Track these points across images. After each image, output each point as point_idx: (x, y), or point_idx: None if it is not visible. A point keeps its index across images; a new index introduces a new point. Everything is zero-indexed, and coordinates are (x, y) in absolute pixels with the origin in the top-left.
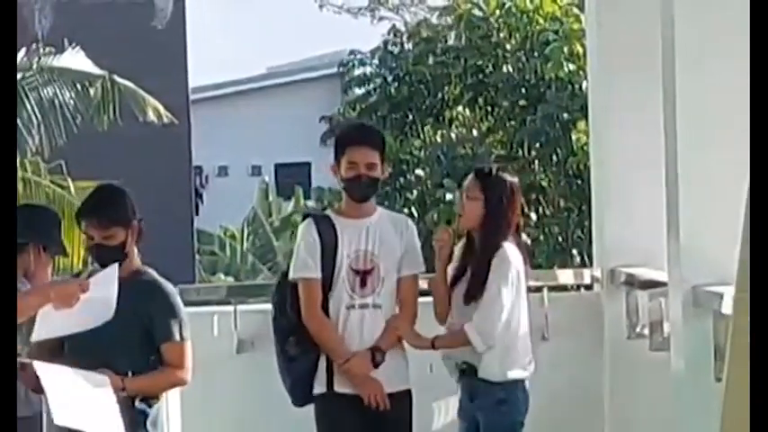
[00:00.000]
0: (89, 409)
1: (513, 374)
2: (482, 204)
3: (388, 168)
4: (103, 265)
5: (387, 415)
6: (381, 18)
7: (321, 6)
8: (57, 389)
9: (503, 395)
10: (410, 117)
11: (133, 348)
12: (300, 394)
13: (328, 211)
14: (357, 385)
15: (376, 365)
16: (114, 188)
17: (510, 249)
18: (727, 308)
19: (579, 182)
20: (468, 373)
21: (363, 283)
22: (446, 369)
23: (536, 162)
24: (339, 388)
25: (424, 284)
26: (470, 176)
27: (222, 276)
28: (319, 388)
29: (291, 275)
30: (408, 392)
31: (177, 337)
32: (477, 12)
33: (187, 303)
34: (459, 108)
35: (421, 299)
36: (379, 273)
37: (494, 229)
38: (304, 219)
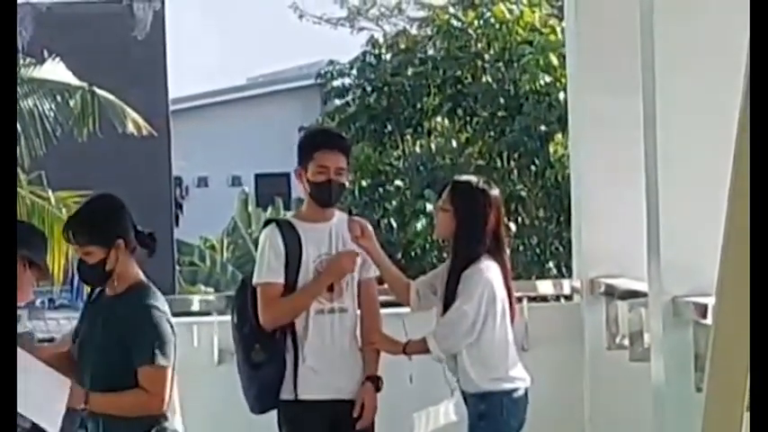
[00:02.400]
0: (37, 400)
1: (489, 386)
2: (452, 215)
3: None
4: (86, 283)
5: (351, 423)
6: (361, 29)
7: (301, 17)
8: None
9: (483, 408)
10: (389, 128)
11: (113, 369)
12: (266, 401)
13: (289, 217)
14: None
15: (379, 390)
16: (103, 202)
17: (485, 264)
18: (706, 318)
19: (557, 193)
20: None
21: (330, 287)
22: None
23: (515, 173)
24: (304, 395)
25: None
26: (447, 187)
27: (202, 287)
28: (286, 395)
29: (255, 280)
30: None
31: (154, 361)
32: (455, 22)
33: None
34: (438, 118)
35: (403, 309)
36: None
37: (464, 242)
38: (266, 225)
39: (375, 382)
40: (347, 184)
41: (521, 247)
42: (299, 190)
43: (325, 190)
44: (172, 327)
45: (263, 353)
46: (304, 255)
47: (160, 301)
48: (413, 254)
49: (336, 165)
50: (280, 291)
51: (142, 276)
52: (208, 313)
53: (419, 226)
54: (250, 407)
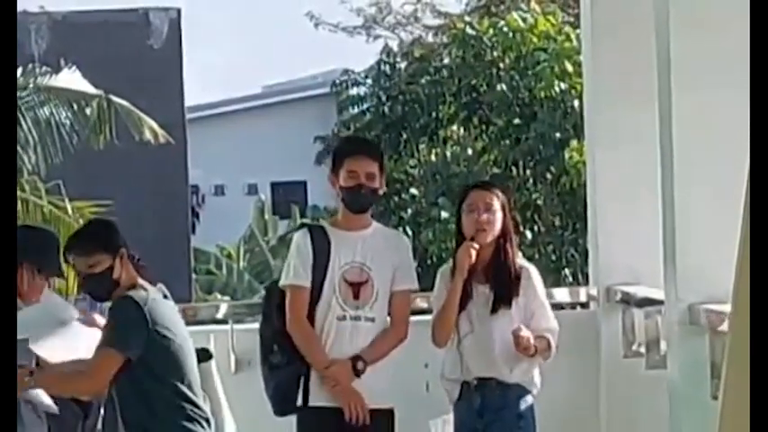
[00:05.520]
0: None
1: (537, 387)
2: (506, 215)
3: (384, 182)
4: (94, 296)
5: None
6: (377, 37)
7: (317, 25)
8: None
9: (521, 408)
10: (404, 136)
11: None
12: (281, 403)
13: (324, 222)
14: (337, 395)
15: (357, 374)
16: (97, 221)
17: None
18: (723, 326)
19: (572, 200)
20: (482, 387)
21: (356, 296)
22: (443, 389)
23: (530, 180)
24: (314, 401)
25: (423, 303)
26: (481, 190)
27: (219, 295)
28: (299, 399)
29: (282, 282)
30: (391, 411)
31: (103, 343)
32: (470, 30)
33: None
34: (454, 127)
35: (427, 317)
36: (373, 286)
37: (513, 239)
38: (299, 229)
39: (354, 360)
40: (381, 190)
41: (536, 255)
42: (315, 198)
43: (355, 195)
44: (144, 319)
45: (280, 356)
46: (332, 261)
47: (141, 298)
48: (428, 262)
49: (366, 170)
50: (307, 296)
51: (139, 281)
52: (224, 321)
53: (433, 234)
54: (272, 408)
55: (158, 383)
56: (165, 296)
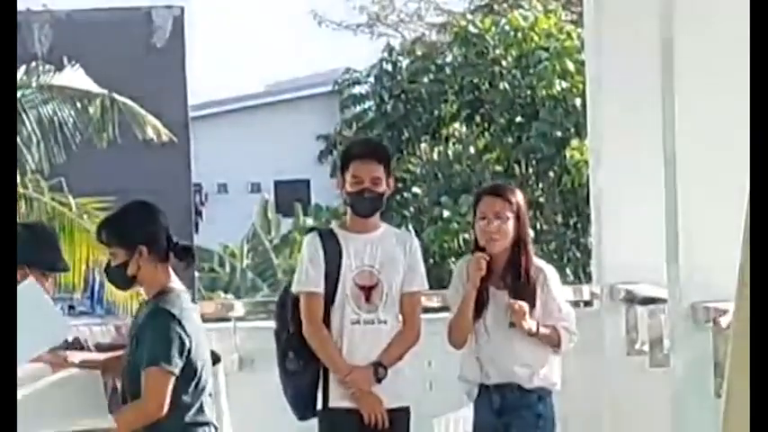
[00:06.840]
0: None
1: (551, 385)
2: (514, 221)
3: (392, 183)
4: (111, 283)
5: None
6: (381, 35)
7: (320, 23)
8: None
9: (540, 409)
10: (406, 134)
11: (135, 376)
12: (302, 408)
13: (333, 226)
14: (357, 400)
15: (378, 381)
16: (136, 208)
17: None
18: (726, 324)
19: (574, 198)
20: (501, 389)
21: (368, 299)
22: (462, 387)
23: (532, 179)
24: (334, 403)
25: (429, 302)
26: (492, 197)
27: (222, 294)
28: (319, 402)
29: (294, 289)
30: (406, 410)
31: (152, 363)
32: (472, 29)
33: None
34: (456, 125)
35: (430, 315)
36: (383, 288)
37: (527, 247)
38: (309, 232)
39: (376, 367)
40: (387, 192)
41: (538, 253)
42: (318, 197)
43: (360, 200)
44: (184, 332)
45: (297, 361)
46: (344, 265)
47: (176, 307)
48: (432, 261)
49: (371, 174)
50: (321, 301)
51: (172, 284)
52: (227, 319)
53: (435, 232)
54: (293, 413)
55: (174, 393)
56: (193, 300)
